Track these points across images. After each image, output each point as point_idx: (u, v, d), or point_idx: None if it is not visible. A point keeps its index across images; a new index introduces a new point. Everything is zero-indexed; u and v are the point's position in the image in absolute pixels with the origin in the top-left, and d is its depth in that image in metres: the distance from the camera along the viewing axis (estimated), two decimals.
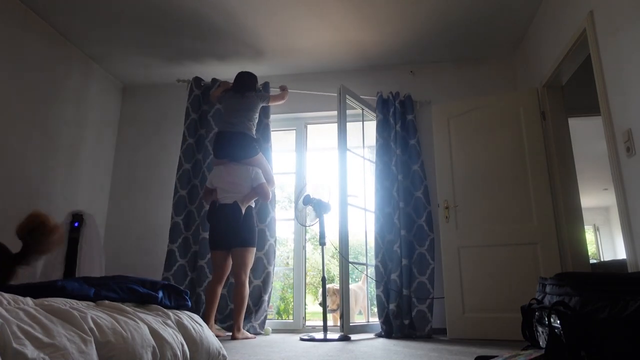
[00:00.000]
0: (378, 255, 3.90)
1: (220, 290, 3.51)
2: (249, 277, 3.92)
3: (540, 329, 1.79)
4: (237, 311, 3.40)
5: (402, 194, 3.99)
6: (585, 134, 5.60)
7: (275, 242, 4.12)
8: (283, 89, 4.20)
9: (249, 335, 3.47)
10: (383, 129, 4.24)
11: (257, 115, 3.84)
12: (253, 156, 3.66)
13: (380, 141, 4.19)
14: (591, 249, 9.98)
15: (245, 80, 3.91)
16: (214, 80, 4.48)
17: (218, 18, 3.81)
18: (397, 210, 3.95)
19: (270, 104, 4.05)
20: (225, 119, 3.75)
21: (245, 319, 3.83)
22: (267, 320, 3.93)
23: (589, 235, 10.28)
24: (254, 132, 3.76)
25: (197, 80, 4.50)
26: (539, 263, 3.36)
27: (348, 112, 4.03)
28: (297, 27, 3.96)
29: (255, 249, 3.55)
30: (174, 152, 4.68)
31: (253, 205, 3.64)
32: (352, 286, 4.47)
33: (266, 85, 4.44)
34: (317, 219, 3.73)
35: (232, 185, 3.52)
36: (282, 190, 9.52)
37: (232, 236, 3.44)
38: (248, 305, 3.88)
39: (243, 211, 3.46)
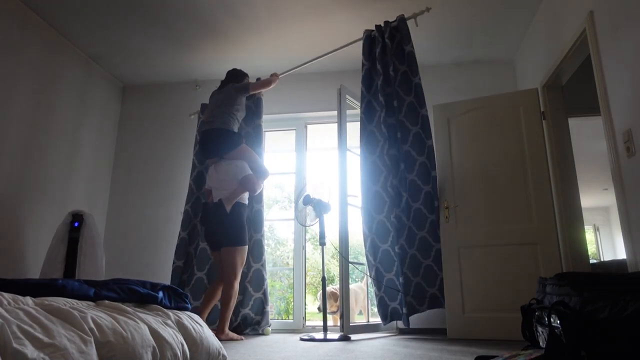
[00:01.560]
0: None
1: (218, 290, 3.45)
2: (250, 290, 3.87)
3: (540, 329, 1.78)
4: (221, 311, 3.31)
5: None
6: (585, 134, 5.60)
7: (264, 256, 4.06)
8: (272, 75, 4.00)
9: (235, 336, 3.33)
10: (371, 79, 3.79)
11: (237, 107, 3.63)
12: (232, 149, 3.52)
13: (368, 98, 3.77)
14: (591, 249, 9.98)
15: (228, 76, 3.84)
16: None
17: (218, 16, 3.81)
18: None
19: (253, 92, 3.78)
20: (206, 118, 3.70)
21: (252, 330, 3.80)
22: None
23: (589, 235, 10.28)
24: (232, 125, 3.56)
25: (203, 106, 4.37)
26: (539, 263, 3.36)
27: (348, 112, 4.02)
28: (298, 27, 3.96)
29: (244, 247, 3.38)
30: (174, 152, 4.68)
31: (245, 202, 3.50)
32: (352, 286, 4.47)
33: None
34: (317, 219, 3.73)
35: (221, 183, 3.47)
36: (282, 190, 9.53)
37: (219, 235, 3.37)
38: (252, 317, 3.83)
39: (228, 209, 3.35)
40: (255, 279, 3.93)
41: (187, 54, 4.36)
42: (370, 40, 3.82)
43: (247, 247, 3.42)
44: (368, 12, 3.77)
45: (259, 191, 3.63)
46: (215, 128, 3.53)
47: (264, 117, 4.52)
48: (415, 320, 3.91)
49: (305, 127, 4.70)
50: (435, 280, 3.59)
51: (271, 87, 3.89)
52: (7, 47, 3.46)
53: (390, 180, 3.60)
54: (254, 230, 4.02)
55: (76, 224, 3.50)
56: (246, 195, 3.51)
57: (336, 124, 3.96)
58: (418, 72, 3.70)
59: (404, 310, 3.46)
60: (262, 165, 3.66)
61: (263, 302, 3.89)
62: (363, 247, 4.21)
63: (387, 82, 3.74)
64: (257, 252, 3.97)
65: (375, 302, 3.67)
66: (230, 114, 3.59)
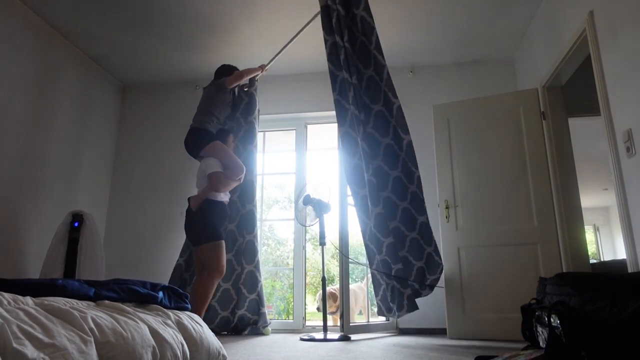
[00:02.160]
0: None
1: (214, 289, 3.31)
2: (244, 292, 3.81)
3: (540, 329, 1.78)
4: (195, 303, 3.14)
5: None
6: (585, 134, 5.60)
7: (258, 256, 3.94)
8: (259, 66, 3.93)
9: None
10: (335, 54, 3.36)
11: (216, 104, 3.57)
12: (203, 147, 3.44)
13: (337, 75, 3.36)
14: (591, 249, 9.98)
15: (215, 72, 3.82)
16: None
17: (217, 16, 3.81)
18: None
19: (231, 85, 3.67)
20: None
21: (250, 329, 3.77)
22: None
23: (589, 235, 10.28)
24: (206, 123, 3.49)
25: None
26: (539, 263, 3.36)
27: None
28: (298, 27, 3.96)
29: (216, 242, 3.21)
30: (174, 151, 4.68)
31: (218, 199, 3.30)
32: (352, 286, 4.47)
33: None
34: (317, 219, 3.73)
35: (197, 182, 3.45)
36: (282, 190, 9.53)
37: (191, 234, 3.32)
38: (249, 318, 3.79)
39: (193, 208, 3.28)
40: (249, 281, 3.85)
41: (187, 53, 4.36)
42: (327, 10, 3.42)
43: (220, 242, 3.22)
44: None
45: (229, 188, 3.41)
46: (190, 129, 3.52)
47: (265, 117, 4.53)
48: (415, 320, 3.91)
49: (305, 127, 4.70)
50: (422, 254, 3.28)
51: (246, 77, 3.77)
52: (6, 47, 3.46)
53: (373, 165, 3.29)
54: (246, 231, 3.93)
55: (76, 224, 3.50)
56: (220, 192, 3.35)
57: (336, 124, 3.95)
58: (374, 40, 3.28)
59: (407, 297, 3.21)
60: (235, 161, 3.46)
61: (258, 303, 3.81)
62: (363, 247, 4.15)
63: (347, 54, 3.33)
64: (249, 253, 3.88)
65: (379, 296, 3.35)
66: (206, 111, 3.55)
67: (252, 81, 4.14)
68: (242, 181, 3.56)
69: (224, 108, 3.68)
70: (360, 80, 3.36)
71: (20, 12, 3.58)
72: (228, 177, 3.39)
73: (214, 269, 3.18)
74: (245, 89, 4.14)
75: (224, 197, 3.40)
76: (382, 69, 3.31)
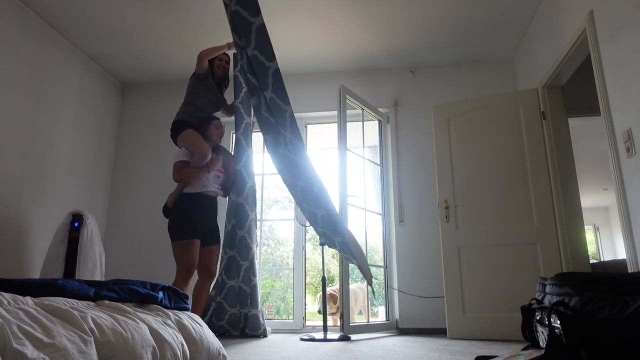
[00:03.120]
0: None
1: (201, 288, 3.27)
2: (244, 289, 3.75)
3: (540, 329, 1.78)
4: None
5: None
6: (585, 134, 5.60)
7: (257, 248, 3.86)
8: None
9: None
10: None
11: (194, 92, 3.47)
12: (176, 138, 3.39)
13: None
14: (591, 249, 9.98)
15: None
16: None
17: (217, 15, 3.81)
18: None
19: (200, 70, 3.46)
20: None
21: (247, 331, 3.75)
22: (266, 321, 3.91)
23: (589, 235, 10.28)
24: (183, 114, 3.41)
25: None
26: (539, 263, 3.36)
27: (348, 112, 4.03)
28: (298, 27, 3.96)
29: (182, 242, 3.04)
30: (174, 151, 4.67)
31: (190, 191, 3.15)
32: (352, 286, 4.47)
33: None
34: None
35: None
36: (282, 190, 9.53)
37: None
38: (247, 316, 3.76)
39: (169, 204, 3.18)
40: (245, 278, 3.79)
41: (187, 52, 4.36)
42: None
43: (185, 241, 3.04)
44: None
45: (196, 177, 3.15)
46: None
47: None
48: (415, 320, 3.92)
49: (305, 127, 4.69)
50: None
51: (210, 56, 3.49)
52: (6, 46, 3.45)
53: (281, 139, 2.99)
54: (238, 227, 3.83)
55: (76, 224, 3.49)
56: (196, 182, 3.15)
57: (336, 124, 3.96)
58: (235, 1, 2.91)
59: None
60: (198, 147, 3.19)
61: (255, 302, 3.71)
62: (364, 248, 4.16)
63: (233, 19, 3.01)
64: (243, 250, 3.79)
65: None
66: (185, 102, 3.50)
67: (236, 62, 3.87)
68: (214, 168, 3.28)
69: (205, 95, 3.51)
70: (249, 39, 3.01)
71: (19, 12, 3.58)
72: (194, 164, 3.17)
73: (179, 268, 3.04)
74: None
75: (201, 187, 3.16)
76: (249, 26, 2.91)
